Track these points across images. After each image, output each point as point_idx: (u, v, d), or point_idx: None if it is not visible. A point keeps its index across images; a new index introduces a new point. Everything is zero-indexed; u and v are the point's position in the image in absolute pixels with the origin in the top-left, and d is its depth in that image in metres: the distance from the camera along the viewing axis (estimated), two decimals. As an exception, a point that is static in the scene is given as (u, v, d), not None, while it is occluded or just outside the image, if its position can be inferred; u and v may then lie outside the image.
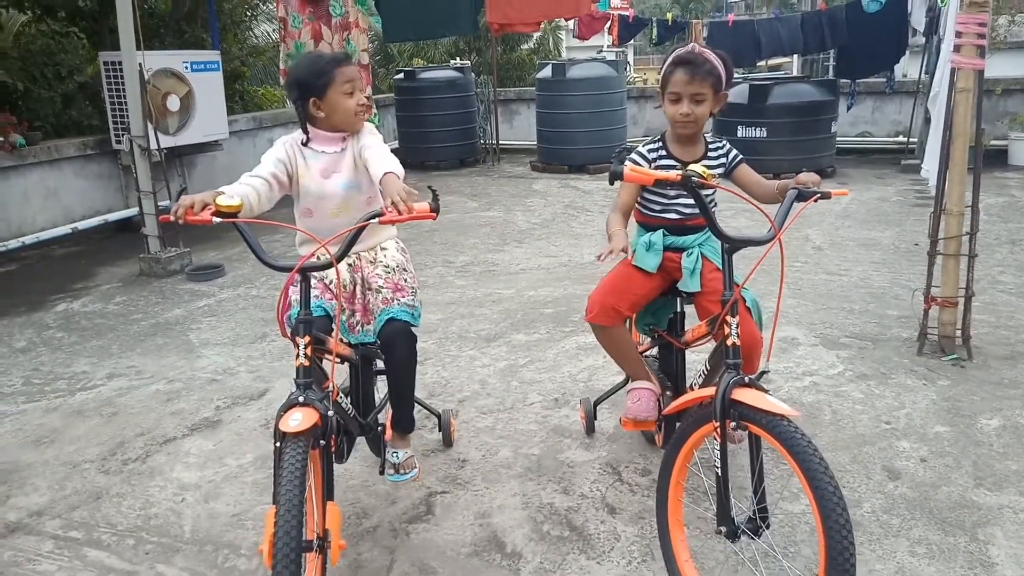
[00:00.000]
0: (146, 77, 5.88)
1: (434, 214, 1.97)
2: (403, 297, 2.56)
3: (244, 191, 2.26)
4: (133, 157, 5.87)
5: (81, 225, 6.70)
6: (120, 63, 5.99)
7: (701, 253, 2.56)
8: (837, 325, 4.18)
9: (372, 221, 2.02)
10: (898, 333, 4.04)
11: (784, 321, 4.17)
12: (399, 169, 2.26)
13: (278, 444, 1.94)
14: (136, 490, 2.88)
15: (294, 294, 2.40)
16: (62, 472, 3.03)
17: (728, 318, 2.11)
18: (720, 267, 2.50)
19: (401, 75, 10.77)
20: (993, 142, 8.62)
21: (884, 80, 9.34)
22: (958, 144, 3.59)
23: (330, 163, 2.49)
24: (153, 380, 3.88)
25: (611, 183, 2.09)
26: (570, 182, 9.05)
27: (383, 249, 2.65)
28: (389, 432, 2.84)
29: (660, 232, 2.58)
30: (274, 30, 9.67)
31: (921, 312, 3.83)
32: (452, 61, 12.25)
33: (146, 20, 7.19)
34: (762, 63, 12.17)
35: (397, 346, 2.50)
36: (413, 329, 2.55)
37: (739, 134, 8.45)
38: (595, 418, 3.14)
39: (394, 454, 2.66)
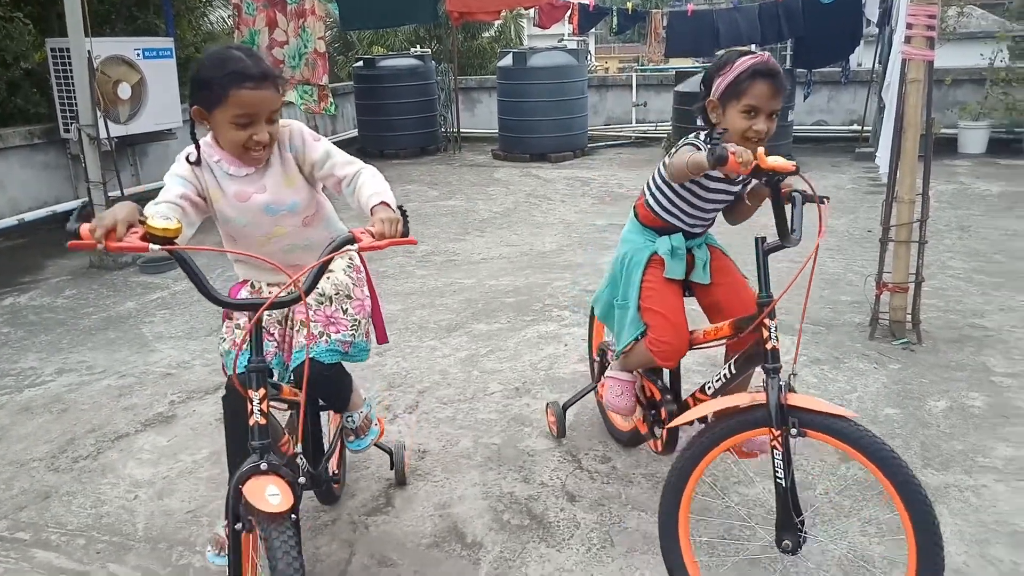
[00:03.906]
0: (95, 64, 5.71)
1: (415, 240, 1.78)
2: (335, 332, 2.13)
3: (167, 214, 1.76)
4: (82, 146, 5.71)
5: (28, 216, 6.49)
6: (68, 50, 5.81)
7: (707, 243, 2.49)
8: (792, 311, 4.24)
9: (351, 248, 1.70)
10: (851, 318, 4.13)
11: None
12: (391, 196, 1.90)
13: (239, 526, 1.69)
14: (87, 488, 2.81)
15: (228, 331, 2.14)
16: (9, 471, 2.95)
17: (767, 320, 2.02)
18: (726, 253, 2.51)
19: (360, 63, 10.64)
20: (943, 131, 8.83)
21: (839, 70, 9.50)
22: (909, 133, 3.66)
23: (246, 184, 2.03)
24: (105, 375, 3.79)
25: (713, 167, 1.85)
26: (532, 171, 9.05)
27: (329, 272, 2.20)
28: (338, 485, 2.60)
29: (679, 235, 2.43)
30: (229, 16, 9.47)
31: (873, 298, 3.91)
32: (412, 49, 12.14)
33: (95, 6, 6.98)
34: (721, 52, 12.29)
35: (317, 390, 2.15)
36: (351, 364, 2.21)
37: (699, 123, 8.51)
38: (565, 422, 3.03)
39: (349, 418, 2.41)
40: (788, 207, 2.06)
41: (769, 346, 2.00)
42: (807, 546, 2.31)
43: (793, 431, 1.89)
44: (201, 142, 2.00)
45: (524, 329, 4.18)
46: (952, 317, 4.12)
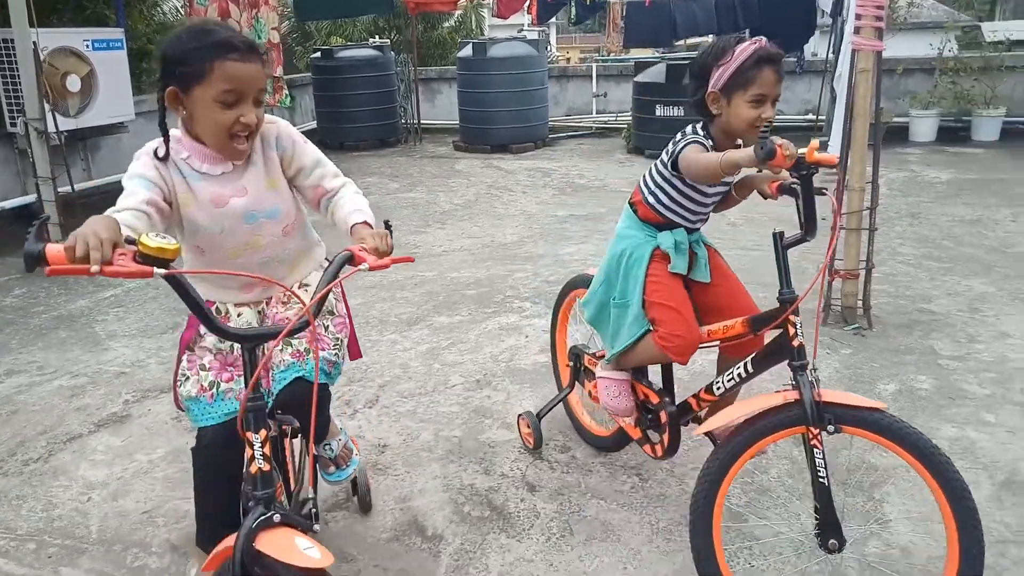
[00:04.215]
0: (42, 56, 5.55)
1: (412, 258, 1.70)
2: (322, 351, 1.98)
3: (133, 223, 1.57)
4: (29, 141, 5.55)
5: (-26, 214, 6.31)
6: (12, 41, 5.63)
7: (702, 241, 2.45)
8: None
9: (361, 268, 1.55)
10: (803, 305, 4.19)
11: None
12: (371, 215, 1.81)
13: None
14: (38, 491, 2.75)
15: (191, 368, 1.90)
16: (-44, 476, 2.88)
17: (792, 317, 2.01)
18: (718, 252, 2.47)
19: (318, 54, 10.50)
20: (896, 119, 9.02)
21: (794, 60, 9.64)
22: (859, 123, 3.74)
23: (222, 185, 1.80)
24: (56, 375, 3.71)
25: (762, 163, 1.78)
26: (493, 162, 9.04)
27: (304, 287, 2.01)
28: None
29: (681, 231, 2.36)
30: (182, 6, 9.27)
31: (825, 284, 3.99)
32: (371, 39, 12.03)
33: (40, -6, 6.77)
34: (680, 42, 12.39)
35: (298, 413, 1.87)
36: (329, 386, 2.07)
37: (657, 113, 8.59)
38: (541, 431, 2.90)
39: (326, 447, 2.25)
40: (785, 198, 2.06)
41: (796, 343, 1.98)
42: (760, 530, 2.38)
43: (830, 427, 1.85)
44: (157, 142, 1.78)
45: (485, 321, 4.18)
46: (902, 302, 4.23)
